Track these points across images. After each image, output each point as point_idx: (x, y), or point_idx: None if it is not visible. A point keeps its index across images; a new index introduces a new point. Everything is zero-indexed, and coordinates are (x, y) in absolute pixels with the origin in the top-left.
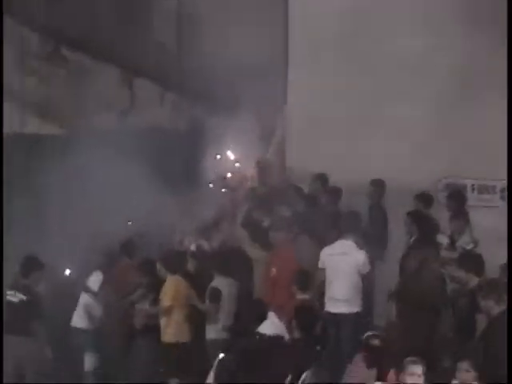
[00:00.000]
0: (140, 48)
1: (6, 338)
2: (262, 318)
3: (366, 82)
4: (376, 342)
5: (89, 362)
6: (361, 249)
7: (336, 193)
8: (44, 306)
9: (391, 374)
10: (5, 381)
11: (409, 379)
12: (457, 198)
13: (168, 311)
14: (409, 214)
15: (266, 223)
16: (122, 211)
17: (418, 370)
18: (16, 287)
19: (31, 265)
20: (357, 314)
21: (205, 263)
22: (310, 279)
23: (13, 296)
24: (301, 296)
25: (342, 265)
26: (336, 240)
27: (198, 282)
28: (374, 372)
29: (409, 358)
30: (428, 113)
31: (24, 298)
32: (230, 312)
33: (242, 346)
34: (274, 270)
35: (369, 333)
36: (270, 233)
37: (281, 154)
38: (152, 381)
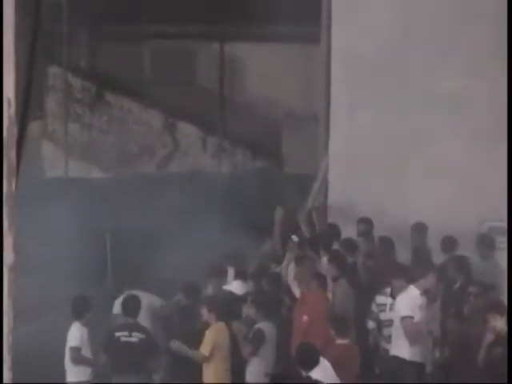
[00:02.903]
0: (183, 93)
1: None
2: (314, 362)
3: (404, 124)
4: None
5: None
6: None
7: (385, 242)
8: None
9: None
10: None
11: None
12: (488, 243)
13: (208, 359)
14: (453, 258)
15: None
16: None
17: None
18: (127, 327)
19: (135, 304)
20: (395, 357)
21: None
22: (348, 324)
23: (128, 336)
24: (340, 341)
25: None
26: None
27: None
28: None
29: None
30: (468, 152)
31: (143, 336)
32: (271, 356)
33: None
34: (305, 317)
35: None
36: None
37: (323, 195)
38: None
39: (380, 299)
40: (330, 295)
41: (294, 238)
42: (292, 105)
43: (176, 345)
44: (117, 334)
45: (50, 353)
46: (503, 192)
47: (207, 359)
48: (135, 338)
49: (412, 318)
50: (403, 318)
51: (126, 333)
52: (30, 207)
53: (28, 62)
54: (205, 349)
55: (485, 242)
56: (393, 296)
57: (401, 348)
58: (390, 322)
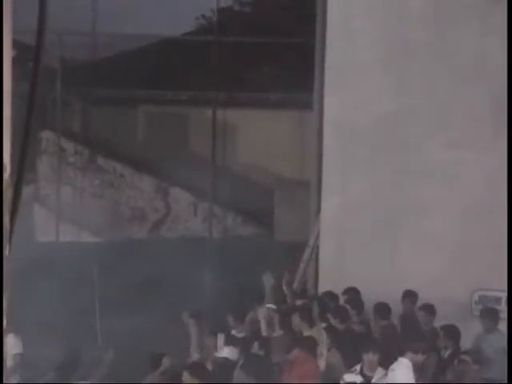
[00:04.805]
0: (175, 158)
1: None
2: None
3: (396, 194)
4: None
5: None
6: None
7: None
8: None
9: None
10: None
11: None
12: (491, 314)
13: None
14: (443, 328)
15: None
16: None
17: None
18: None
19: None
20: None
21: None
22: None
23: None
24: None
25: (388, 381)
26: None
27: None
28: None
29: None
30: (460, 223)
31: None
32: None
33: None
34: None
35: None
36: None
37: (314, 262)
38: None
39: (349, 377)
40: (322, 363)
41: (271, 306)
42: (284, 171)
43: None
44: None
45: None
46: (494, 261)
47: None
48: None
49: None
50: None
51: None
52: (21, 272)
53: (24, 126)
54: None
55: (488, 315)
56: (363, 374)
57: None
58: None
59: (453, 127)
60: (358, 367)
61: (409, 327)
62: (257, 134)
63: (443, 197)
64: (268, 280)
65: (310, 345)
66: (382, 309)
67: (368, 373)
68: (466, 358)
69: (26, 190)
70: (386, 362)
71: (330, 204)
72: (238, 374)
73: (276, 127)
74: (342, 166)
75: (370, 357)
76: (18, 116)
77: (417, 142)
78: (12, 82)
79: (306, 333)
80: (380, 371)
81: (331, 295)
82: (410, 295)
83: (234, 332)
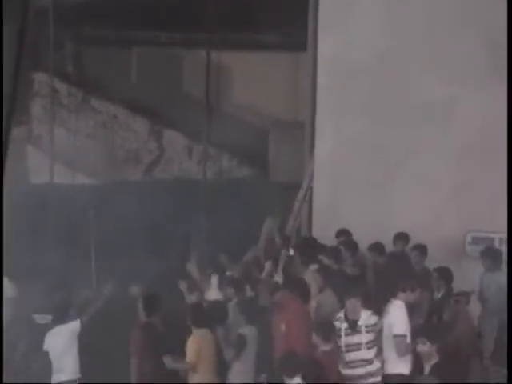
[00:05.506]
0: (169, 100)
1: None
2: (296, 371)
3: (391, 134)
4: None
5: None
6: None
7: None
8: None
9: None
10: None
11: None
12: (492, 254)
13: (193, 368)
14: (436, 269)
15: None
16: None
17: None
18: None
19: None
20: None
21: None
22: (333, 329)
23: None
24: (324, 347)
25: (384, 323)
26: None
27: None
28: None
29: None
30: (454, 163)
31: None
32: (253, 360)
33: None
34: (283, 325)
35: None
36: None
37: (308, 204)
38: None
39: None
40: (314, 303)
41: (291, 251)
42: (278, 112)
43: (168, 361)
44: None
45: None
46: (487, 202)
47: (194, 368)
48: None
49: (405, 336)
50: (396, 336)
51: None
52: (15, 213)
53: (14, 68)
54: (190, 358)
55: (490, 255)
56: (347, 319)
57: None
58: (348, 348)
59: (450, 65)
60: (341, 314)
61: (399, 266)
62: (251, 76)
63: (438, 135)
64: (267, 225)
65: (299, 286)
66: (378, 247)
67: (352, 317)
68: (460, 298)
69: (19, 132)
70: (379, 302)
71: (324, 145)
72: (232, 310)
73: (270, 68)
74: (336, 106)
75: (352, 302)
76: (9, 57)
77: (413, 80)
78: (4, 22)
79: (302, 274)
80: (365, 313)
81: (313, 240)
82: (401, 237)
83: (228, 273)
